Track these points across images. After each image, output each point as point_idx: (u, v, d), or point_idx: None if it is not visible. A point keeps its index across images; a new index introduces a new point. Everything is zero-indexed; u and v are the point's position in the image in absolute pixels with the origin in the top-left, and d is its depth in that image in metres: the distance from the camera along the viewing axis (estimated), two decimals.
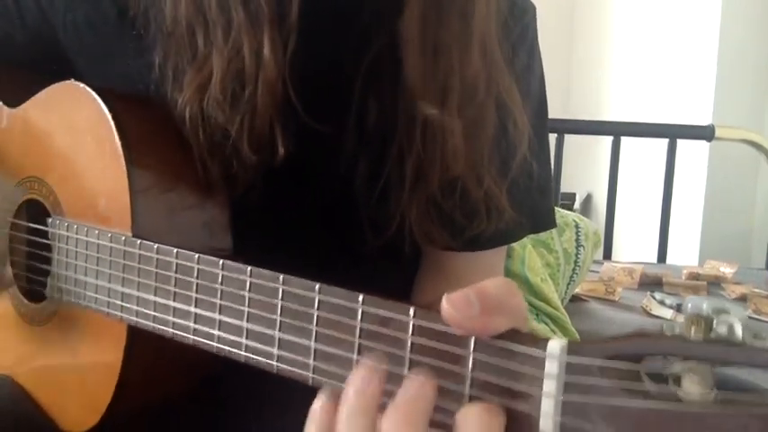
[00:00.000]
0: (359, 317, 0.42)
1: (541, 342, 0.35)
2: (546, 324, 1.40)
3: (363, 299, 0.42)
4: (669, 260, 2.27)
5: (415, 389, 0.39)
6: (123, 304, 0.60)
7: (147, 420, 0.69)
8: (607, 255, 2.26)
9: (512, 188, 0.69)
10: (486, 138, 0.66)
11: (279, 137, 0.62)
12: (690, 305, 0.35)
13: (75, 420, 0.67)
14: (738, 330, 0.30)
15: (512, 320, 0.37)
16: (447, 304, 0.37)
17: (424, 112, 0.63)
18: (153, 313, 0.57)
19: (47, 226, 0.69)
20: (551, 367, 0.34)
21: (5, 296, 0.76)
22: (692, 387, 0.31)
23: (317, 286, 0.45)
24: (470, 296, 0.37)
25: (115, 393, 0.62)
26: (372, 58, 0.65)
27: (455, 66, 0.63)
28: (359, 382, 0.40)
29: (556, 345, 0.34)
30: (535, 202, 0.74)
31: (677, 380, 0.31)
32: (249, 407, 0.75)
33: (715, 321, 0.30)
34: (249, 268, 0.50)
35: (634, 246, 2.96)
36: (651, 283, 1.86)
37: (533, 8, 0.76)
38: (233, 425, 0.75)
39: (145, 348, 0.61)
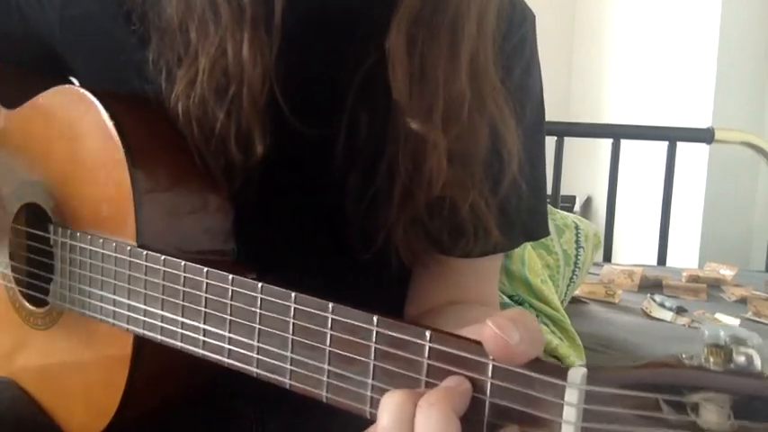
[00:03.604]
0: (373, 338, 0.42)
1: (561, 370, 0.35)
2: (546, 325, 1.40)
3: (378, 320, 0.42)
4: (669, 262, 2.27)
5: (455, 381, 0.39)
6: (130, 315, 0.59)
7: (155, 423, 0.69)
8: (607, 257, 2.26)
9: (502, 209, 0.69)
10: (476, 158, 0.66)
11: (257, 136, 0.63)
12: (707, 333, 0.35)
13: (81, 425, 0.67)
14: (758, 361, 0.30)
15: (539, 350, 0.37)
16: (494, 326, 0.37)
17: (408, 128, 0.63)
18: (161, 325, 0.57)
19: (48, 231, 0.68)
20: (571, 396, 0.34)
21: (8, 299, 0.75)
22: (711, 416, 0.31)
23: (331, 306, 0.45)
24: (509, 323, 0.37)
25: (123, 398, 0.61)
26: (366, 72, 0.65)
27: (440, 83, 0.63)
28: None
29: (576, 373, 0.34)
30: (525, 222, 0.74)
31: (695, 408, 0.31)
32: (257, 410, 0.75)
33: (734, 352, 0.30)
34: (260, 285, 0.50)
35: (634, 248, 2.97)
36: (651, 286, 1.86)
37: (532, 16, 0.75)
38: (240, 427, 0.75)
39: (152, 353, 0.61)
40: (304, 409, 0.67)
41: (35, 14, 0.73)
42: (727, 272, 1.95)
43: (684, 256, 2.65)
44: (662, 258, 2.27)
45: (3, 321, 0.76)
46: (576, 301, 1.71)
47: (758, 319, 1.63)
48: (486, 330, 0.37)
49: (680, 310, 1.64)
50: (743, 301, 1.74)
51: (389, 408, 0.39)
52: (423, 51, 0.63)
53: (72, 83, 0.75)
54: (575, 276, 1.61)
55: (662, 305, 1.67)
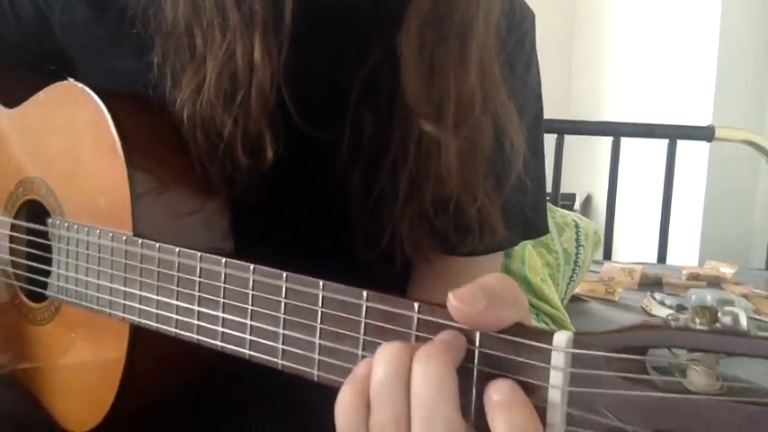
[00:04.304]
0: (363, 313, 0.43)
1: (547, 335, 0.35)
2: (546, 324, 1.40)
3: (368, 295, 0.43)
4: (669, 260, 2.27)
5: (450, 334, 0.39)
6: (126, 303, 0.60)
7: (150, 418, 0.69)
8: (607, 255, 2.26)
9: (505, 206, 0.69)
10: (482, 156, 0.66)
11: (268, 141, 0.63)
12: (694, 297, 0.35)
13: (78, 420, 0.67)
14: (743, 321, 0.30)
15: (516, 314, 0.37)
16: (454, 300, 0.37)
17: (419, 128, 0.63)
18: (156, 312, 0.57)
19: (47, 226, 0.69)
20: (558, 359, 0.34)
21: (6, 295, 0.75)
22: (698, 378, 0.31)
23: (321, 283, 0.45)
24: (476, 291, 0.37)
25: (118, 392, 0.61)
26: (369, 70, 0.66)
27: (451, 84, 0.63)
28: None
29: (562, 337, 0.34)
30: (527, 219, 0.74)
31: (683, 371, 0.31)
32: (257, 409, 0.75)
33: (720, 312, 0.30)
34: (252, 266, 0.50)
35: (634, 246, 2.97)
36: (651, 284, 1.87)
37: (532, 15, 0.76)
38: (240, 426, 0.75)
39: (147, 346, 0.61)
40: (304, 408, 0.67)
41: (31, 20, 0.73)
42: (727, 270, 1.95)
43: (684, 254, 2.65)
44: (662, 256, 2.27)
45: (2, 317, 0.76)
46: (576, 299, 1.71)
47: (758, 317, 1.63)
48: (449, 304, 0.37)
49: (680, 308, 1.64)
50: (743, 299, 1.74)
51: (385, 359, 0.39)
52: (433, 52, 0.63)
53: (71, 81, 0.75)
54: (575, 275, 1.62)
55: (662, 303, 1.67)
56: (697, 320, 0.30)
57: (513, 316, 0.37)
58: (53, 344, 0.70)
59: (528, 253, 1.45)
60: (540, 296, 1.42)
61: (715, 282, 1.89)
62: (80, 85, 0.66)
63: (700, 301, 0.31)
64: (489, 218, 0.67)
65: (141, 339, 0.61)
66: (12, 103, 0.75)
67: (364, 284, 0.44)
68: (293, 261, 0.60)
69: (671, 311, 1.62)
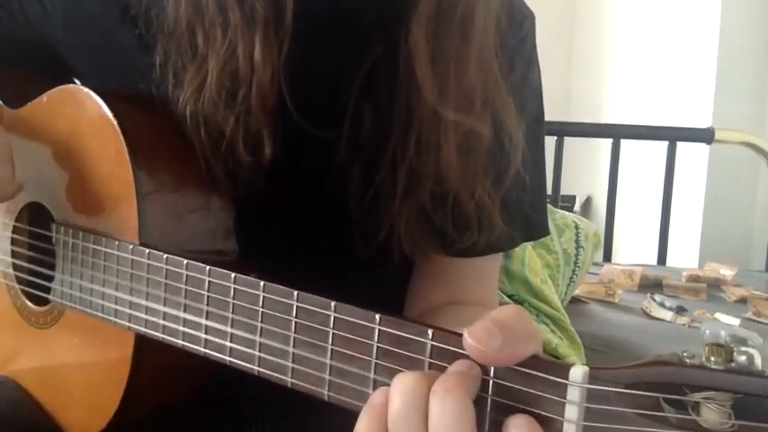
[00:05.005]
0: (376, 336, 0.43)
1: (563, 369, 0.35)
2: (546, 325, 1.40)
3: (380, 318, 0.42)
4: (669, 262, 2.27)
5: (465, 365, 0.39)
6: (131, 313, 0.60)
7: (155, 424, 0.69)
8: (607, 257, 2.26)
9: (504, 202, 0.69)
10: (481, 151, 0.66)
11: (266, 138, 0.63)
12: (707, 332, 0.35)
13: (81, 425, 0.67)
14: (758, 361, 0.30)
15: (532, 348, 0.37)
16: (470, 339, 0.37)
17: (420, 120, 0.64)
18: (162, 323, 0.57)
19: (50, 230, 0.69)
20: (573, 394, 0.34)
21: (9, 298, 0.75)
22: (711, 415, 0.31)
23: (333, 304, 0.45)
24: (491, 328, 0.37)
25: (123, 398, 0.61)
26: (369, 66, 0.66)
27: (452, 78, 0.64)
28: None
29: (578, 371, 0.34)
30: (527, 216, 0.74)
31: (696, 407, 0.31)
32: (256, 410, 0.75)
33: (735, 351, 0.30)
34: (262, 283, 0.50)
35: (634, 248, 2.97)
36: (651, 286, 1.86)
37: (532, 16, 0.76)
38: (239, 427, 0.75)
39: (153, 352, 0.61)
40: (303, 409, 0.67)
41: (38, 18, 0.73)
42: (727, 272, 1.95)
43: (684, 256, 2.65)
44: (662, 258, 2.27)
45: (4, 320, 0.76)
46: (576, 300, 1.71)
47: (758, 319, 1.63)
48: (465, 342, 0.37)
49: (680, 310, 1.64)
50: (743, 300, 1.74)
51: (402, 390, 0.39)
52: (434, 44, 0.64)
53: (75, 84, 0.75)
54: (575, 276, 1.61)
55: (662, 305, 1.68)
56: (712, 359, 0.30)
57: (529, 350, 0.37)
58: (55, 348, 0.70)
59: (528, 254, 1.45)
60: (539, 297, 1.42)
61: (715, 284, 1.89)
62: (85, 88, 0.66)
63: (714, 337, 0.31)
64: (488, 213, 0.68)
65: (147, 347, 0.60)
66: (15, 103, 0.75)
67: (363, 282, 0.44)
68: (293, 258, 0.60)
69: (671, 313, 1.62)
